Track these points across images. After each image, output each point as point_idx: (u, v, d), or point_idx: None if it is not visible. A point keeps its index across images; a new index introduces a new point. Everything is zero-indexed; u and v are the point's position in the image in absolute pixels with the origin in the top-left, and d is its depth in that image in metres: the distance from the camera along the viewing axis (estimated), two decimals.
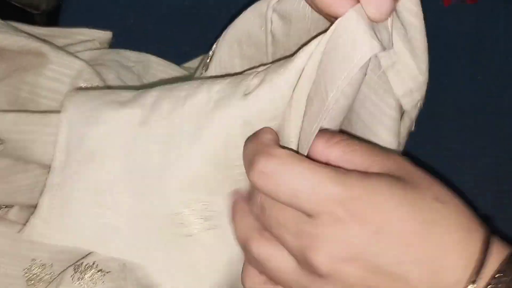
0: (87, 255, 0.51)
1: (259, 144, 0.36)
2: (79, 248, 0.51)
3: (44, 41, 0.63)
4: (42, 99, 0.61)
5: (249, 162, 0.35)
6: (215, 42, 0.56)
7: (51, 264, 0.54)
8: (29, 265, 0.54)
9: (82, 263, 0.51)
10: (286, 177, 0.33)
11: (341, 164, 0.34)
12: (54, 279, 0.52)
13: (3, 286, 0.54)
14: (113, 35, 0.71)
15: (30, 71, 0.61)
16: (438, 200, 0.32)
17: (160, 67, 0.68)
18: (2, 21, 0.66)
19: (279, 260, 0.34)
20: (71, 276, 0.50)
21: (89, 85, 0.61)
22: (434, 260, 0.31)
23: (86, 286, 0.49)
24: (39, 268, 0.54)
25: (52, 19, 0.71)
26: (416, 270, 0.31)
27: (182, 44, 0.71)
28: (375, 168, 0.34)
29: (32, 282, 0.54)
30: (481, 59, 0.68)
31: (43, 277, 0.54)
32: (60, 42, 0.67)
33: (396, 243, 0.31)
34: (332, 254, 0.31)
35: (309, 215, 0.32)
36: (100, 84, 0.61)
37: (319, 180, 0.32)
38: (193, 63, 0.70)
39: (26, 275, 0.54)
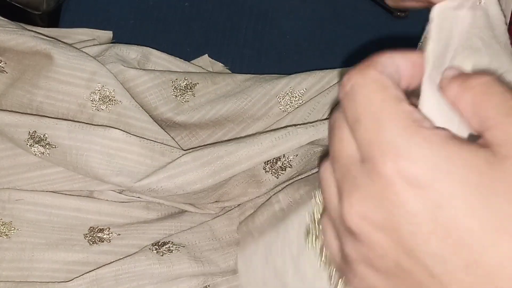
0: None
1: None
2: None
3: (51, 41, 0.63)
4: (60, 102, 0.61)
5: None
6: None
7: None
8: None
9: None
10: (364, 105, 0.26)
11: (463, 110, 0.27)
12: None
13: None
14: (113, 35, 0.71)
15: (41, 75, 0.61)
16: None
17: (160, 60, 0.68)
18: (9, 21, 0.65)
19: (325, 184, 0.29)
20: None
21: (104, 86, 0.61)
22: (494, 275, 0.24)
23: None
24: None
25: (52, 19, 0.72)
26: (462, 276, 0.24)
27: (183, 44, 0.72)
28: (491, 134, 0.26)
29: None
30: None
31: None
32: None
33: (450, 238, 0.24)
34: (366, 214, 0.26)
35: (363, 159, 0.26)
36: (115, 82, 0.61)
37: (400, 132, 0.25)
38: (194, 63, 0.70)
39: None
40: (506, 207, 0.24)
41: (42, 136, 0.58)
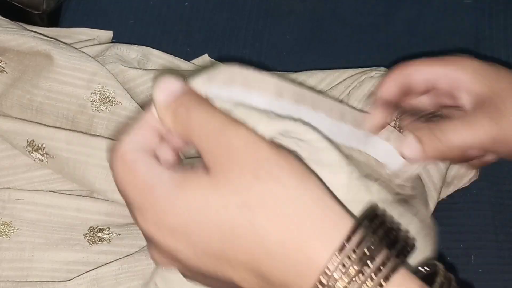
0: None
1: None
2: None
3: (52, 42, 0.63)
4: (60, 103, 0.61)
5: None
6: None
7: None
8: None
9: None
10: None
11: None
12: None
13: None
14: (113, 35, 0.71)
15: (41, 76, 0.61)
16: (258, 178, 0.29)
17: (160, 60, 0.68)
18: (10, 21, 0.66)
19: None
20: None
21: (104, 86, 0.61)
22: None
23: None
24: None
25: (52, 19, 0.72)
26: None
27: (183, 44, 0.72)
28: (204, 159, 0.32)
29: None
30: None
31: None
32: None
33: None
34: (155, 221, 0.31)
35: None
36: (115, 83, 0.61)
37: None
38: (194, 63, 0.70)
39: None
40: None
41: (40, 145, 0.58)
